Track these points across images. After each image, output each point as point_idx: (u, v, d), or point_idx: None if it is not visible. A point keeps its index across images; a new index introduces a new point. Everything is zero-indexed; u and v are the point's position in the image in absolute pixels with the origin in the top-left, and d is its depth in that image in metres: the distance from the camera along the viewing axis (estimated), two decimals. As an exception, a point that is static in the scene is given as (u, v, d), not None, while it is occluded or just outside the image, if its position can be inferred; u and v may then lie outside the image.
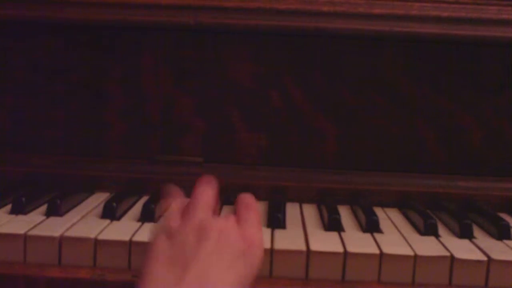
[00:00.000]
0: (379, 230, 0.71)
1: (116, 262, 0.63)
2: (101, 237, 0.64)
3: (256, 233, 0.56)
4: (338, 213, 0.73)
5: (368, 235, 0.69)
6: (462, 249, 0.65)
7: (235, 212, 0.61)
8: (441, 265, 0.63)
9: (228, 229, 0.55)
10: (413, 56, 0.86)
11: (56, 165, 0.86)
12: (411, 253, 0.63)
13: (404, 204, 0.83)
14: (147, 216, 0.72)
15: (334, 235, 0.69)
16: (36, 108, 0.87)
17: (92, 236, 0.64)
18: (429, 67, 0.86)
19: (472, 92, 0.86)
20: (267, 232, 0.69)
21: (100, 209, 0.75)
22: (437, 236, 0.70)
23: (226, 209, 0.81)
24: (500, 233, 0.70)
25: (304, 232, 0.69)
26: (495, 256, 0.63)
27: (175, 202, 0.60)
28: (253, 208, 0.60)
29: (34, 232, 0.65)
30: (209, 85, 0.87)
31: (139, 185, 0.84)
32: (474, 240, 0.69)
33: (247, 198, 0.61)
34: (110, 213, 0.72)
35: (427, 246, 0.65)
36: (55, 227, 0.67)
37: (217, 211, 0.62)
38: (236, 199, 0.62)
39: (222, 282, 0.50)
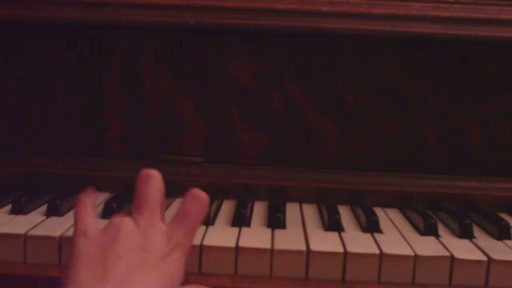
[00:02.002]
0: (379, 230, 0.71)
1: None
2: (101, 237, 0.64)
3: (184, 236, 0.56)
4: (338, 213, 0.73)
5: (368, 235, 0.69)
6: (462, 249, 0.65)
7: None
8: (441, 265, 0.63)
9: (152, 233, 0.55)
10: (413, 56, 0.86)
11: (56, 165, 0.86)
12: (411, 253, 0.63)
13: (404, 204, 0.83)
14: (147, 216, 0.72)
15: (334, 235, 0.69)
16: (36, 108, 0.87)
17: (92, 236, 0.64)
18: (429, 67, 0.86)
19: (472, 92, 0.86)
20: (267, 232, 0.69)
21: (100, 209, 0.74)
22: (437, 236, 0.70)
23: (226, 203, 0.81)
24: (500, 233, 0.70)
25: (304, 232, 0.69)
26: (495, 256, 0.63)
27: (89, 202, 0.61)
28: (199, 203, 0.59)
29: (34, 232, 0.65)
30: (209, 85, 0.87)
31: (139, 185, 0.84)
32: (474, 240, 0.69)
33: (198, 192, 0.60)
34: (110, 213, 0.72)
35: (427, 246, 0.65)
36: (55, 227, 0.67)
37: (163, 206, 0.62)
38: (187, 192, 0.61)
39: (144, 284, 0.50)
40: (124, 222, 0.56)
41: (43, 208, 0.74)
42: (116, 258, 0.52)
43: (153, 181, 0.61)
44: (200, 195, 0.60)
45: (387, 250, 0.63)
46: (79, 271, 0.51)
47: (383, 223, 0.75)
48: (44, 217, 0.71)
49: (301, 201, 0.85)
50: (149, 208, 0.58)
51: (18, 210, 0.72)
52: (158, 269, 0.52)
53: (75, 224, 0.57)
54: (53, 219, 0.70)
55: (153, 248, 0.54)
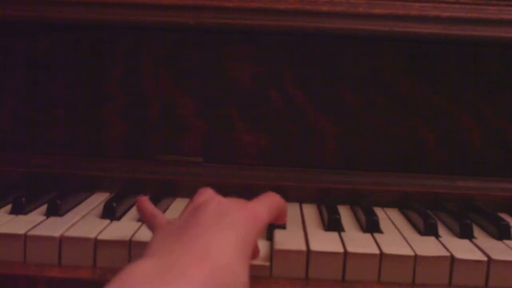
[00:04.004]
0: (379, 230, 0.71)
1: (116, 262, 0.63)
2: (101, 237, 0.64)
3: (259, 207, 0.57)
4: (338, 213, 0.73)
5: (368, 235, 0.69)
6: (462, 249, 0.65)
7: None
8: (441, 265, 0.63)
9: (227, 201, 0.56)
10: (413, 56, 0.86)
11: (56, 165, 0.86)
12: (411, 253, 0.63)
13: (404, 204, 0.83)
14: (147, 216, 0.72)
15: (334, 235, 0.69)
16: (36, 108, 0.87)
17: (92, 236, 0.64)
18: (429, 67, 0.86)
19: (472, 92, 0.86)
20: (266, 232, 0.69)
21: (100, 209, 0.75)
22: (437, 236, 0.70)
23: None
24: (500, 233, 0.70)
25: (304, 232, 0.69)
26: (495, 256, 0.63)
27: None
28: (272, 196, 0.61)
29: (34, 232, 0.65)
30: (209, 85, 0.87)
31: (139, 185, 0.84)
32: (474, 240, 0.69)
33: (273, 194, 0.62)
34: (110, 213, 0.72)
35: (427, 246, 0.65)
36: (55, 227, 0.67)
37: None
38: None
39: (217, 241, 0.50)
40: (207, 200, 0.57)
41: (43, 208, 0.74)
42: (193, 223, 0.52)
43: (281, 201, 0.62)
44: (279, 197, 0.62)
45: (387, 250, 0.63)
46: (158, 239, 0.53)
47: (383, 223, 0.75)
48: (44, 217, 0.71)
49: (301, 201, 0.85)
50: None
51: (18, 210, 0.72)
52: (233, 230, 0.52)
53: (149, 222, 0.61)
54: (53, 219, 0.70)
55: (229, 213, 0.54)
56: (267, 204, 0.59)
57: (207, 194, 0.61)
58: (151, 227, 0.61)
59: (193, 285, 0.44)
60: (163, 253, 0.50)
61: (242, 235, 0.52)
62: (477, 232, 0.72)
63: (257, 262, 0.62)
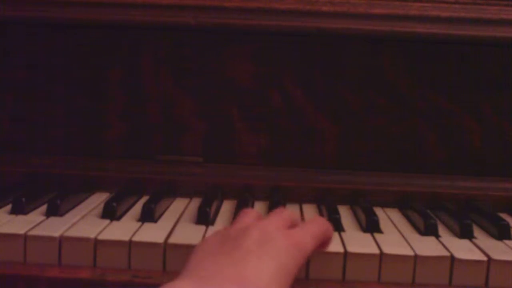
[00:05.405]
0: (379, 230, 0.71)
1: (116, 262, 0.63)
2: (101, 237, 0.64)
3: (304, 236, 0.57)
4: (338, 213, 0.73)
5: (368, 235, 0.69)
6: (462, 249, 0.65)
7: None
8: (441, 265, 0.63)
9: (272, 227, 0.56)
10: (413, 56, 0.86)
11: (56, 165, 0.86)
12: (411, 253, 0.63)
13: (404, 204, 0.83)
14: (147, 216, 0.72)
15: (334, 235, 0.68)
16: (36, 108, 0.87)
17: (92, 236, 0.64)
18: (429, 67, 0.86)
19: (472, 92, 0.86)
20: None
21: (100, 209, 0.74)
22: (437, 236, 0.70)
23: (226, 203, 0.81)
24: (500, 233, 0.70)
25: (304, 232, 0.69)
26: (495, 256, 0.63)
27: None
28: (318, 222, 0.62)
29: (34, 232, 0.65)
30: (209, 85, 0.87)
31: (139, 185, 0.84)
32: (474, 240, 0.69)
33: (320, 218, 0.63)
34: (110, 213, 0.72)
35: (427, 246, 0.65)
36: (55, 227, 0.67)
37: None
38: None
39: (256, 267, 0.50)
40: (252, 224, 0.58)
41: (43, 208, 0.74)
42: (237, 246, 0.53)
43: (327, 226, 0.63)
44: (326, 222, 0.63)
45: (387, 250, 0.63)
46: (200, 255, 0.53)
47: (383, 223, 0.74)
48: (44, 217, 0.71)
49: (301, 201, 0.85)
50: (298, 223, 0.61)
51: (18, 210, 0.72)
52: (274, 257, 0.52)
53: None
54: (53, 219, 0.70)
55: (272, 240, 0.54)
56: (313, 231, 0.59)
57: (251, 216, 0.61)
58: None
59: None
60: (201, 274, 0.49)
61: (282, 264, 0.52)
62: (477, 232, 0.72)
63: None
